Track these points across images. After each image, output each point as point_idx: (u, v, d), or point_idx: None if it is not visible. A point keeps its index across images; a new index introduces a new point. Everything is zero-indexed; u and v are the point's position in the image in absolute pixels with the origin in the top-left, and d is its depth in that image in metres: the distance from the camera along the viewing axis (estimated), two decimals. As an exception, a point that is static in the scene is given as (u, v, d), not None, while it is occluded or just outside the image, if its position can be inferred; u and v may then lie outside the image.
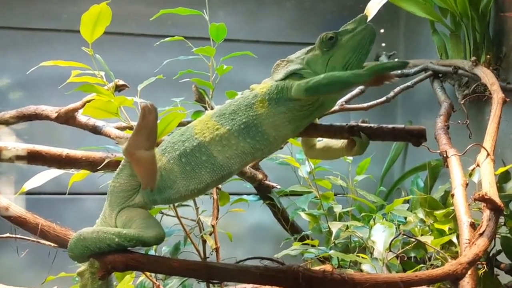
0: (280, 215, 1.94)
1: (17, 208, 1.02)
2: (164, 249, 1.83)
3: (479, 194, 1.19)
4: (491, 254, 1.58)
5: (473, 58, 1.89)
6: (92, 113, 1.43)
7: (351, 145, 1.03)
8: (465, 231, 1.29)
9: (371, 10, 1.69)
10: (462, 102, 1.78)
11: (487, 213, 1.27)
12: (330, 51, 1.00)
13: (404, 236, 1.54)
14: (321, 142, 1.12)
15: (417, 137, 0.96)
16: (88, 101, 1.64)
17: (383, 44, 2.63)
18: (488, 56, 1.94)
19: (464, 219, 1.33)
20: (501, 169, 1.48)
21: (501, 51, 1.97)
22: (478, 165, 1.46)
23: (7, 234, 1.27)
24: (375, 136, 0.99)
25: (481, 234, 1.19)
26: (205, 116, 1.05)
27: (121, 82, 1.67)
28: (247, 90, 1.06)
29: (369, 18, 1.80)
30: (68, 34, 1.59)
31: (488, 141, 1.52)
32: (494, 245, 1.58)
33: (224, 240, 1.78)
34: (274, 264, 1.02)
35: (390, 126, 0.98)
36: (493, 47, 1.98)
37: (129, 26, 2.31)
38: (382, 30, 2.69)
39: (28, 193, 1.46)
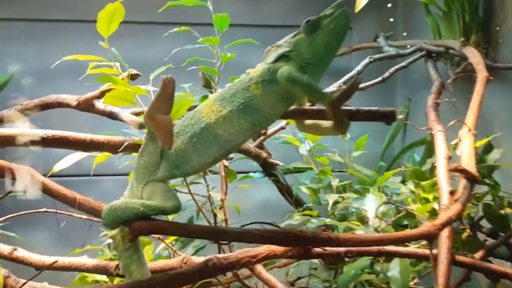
0: (285, 190, 2.14)
1: (55, 185, 1.23)
2: (180, 223, 2.05)
3: (453, 166, 1.39)
4: (475, 220, 1.78)
5: (462, 39, 2.06)
6: (111, 102, 1.65)
7: (335, 125, 1.22)
8: (445, 198, 1.49)
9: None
10: (449, 81, 1.95)
11: (463, 182, 1.48)
12: (313, 34, 1.18)
13: (394, 205, 1.75)
14: None
15: (388, 117, 1.15)
16: (105, 90, 1.86)
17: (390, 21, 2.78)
18: (477, 37, 2.11)
19: (444, 188, 1.53)
20: (479, 142, 1.67)
21: (489, 31, 2.14)
22: (460, 140, 1.66)
23: (44, 209, 1.49)
24: (354, 118, 1.18)
25: (456, 200, 1.39)
26: (209, 100, 1.24)
27: (134, 72, 1.87)
28: (244, 74, 1.25)
29: (360, 7, 2.00)
30: (83, 24, 1.77)
31: (470, 117, 1.70)
32: (478, 212, 1.78)
33: (234, 214, 1.99)
34: (272, 228, 1.23)
35: (366, 108, 1.17)
36: (482, 28, 2.15)
37: (139, 14, 2.50)
38: (389, 5, 2.85)
39: (53, 175, 1.69)
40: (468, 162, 1.53)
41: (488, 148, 1.81)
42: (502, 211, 1.76)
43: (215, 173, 1.86)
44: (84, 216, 1.34)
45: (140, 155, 1.26)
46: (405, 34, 2.75)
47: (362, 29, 2.82)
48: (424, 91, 2.78)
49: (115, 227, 1.22)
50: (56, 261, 1.30)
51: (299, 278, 1.97)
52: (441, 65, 2.30)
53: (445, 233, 1.45)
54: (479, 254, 1.65)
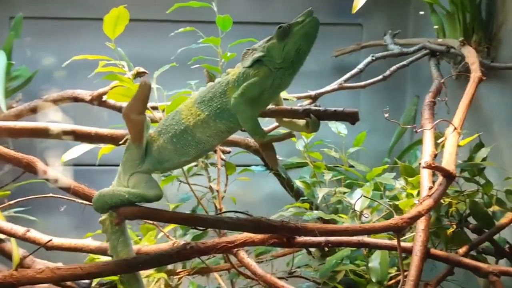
0: (286, 183, 2.25)
1: (55, 173, 1.39)
2: (183, 212, 2.20)
3: (426, 163, 1.46)
4: (463, 216, 1.85)
5: (461, 38, 2.11)
6: (115, 98, 1.81)
7: (307, 124, 1.33)
8: (424, 194, 1.57)
9: (359, 1, 1.96)
10: (442, 80, 2.01)
11: (440, 179, 1.55)
12: (284, 40, 1.28)
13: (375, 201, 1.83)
14: None
15: (352, 118, 1.25)
16: (115, 87, 2.02)
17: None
18: (478, 36, 2.16)
19: (425, 184, 1.61)
20: (462, 142, 1.73)
21: (491, 31, 2.18)
22: (445, 138, 1.73)
23: (50, 194, 1.66)
24: (322, 117, 1.28)
25: (429, 196, 1.48)
26: (189, 102, 1.35)
27: (141, 69, 2.01)
28: (224, 74, 1.36)
29: (358, 7, 2.07)
30: (97, 22, 1.92)
31: (457, 116, 1.77)
32: (466, 208, 1.84)
33: (240, 206, 2.11)
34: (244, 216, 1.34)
35: (333, 109, 1.26)
36: (484, 27, 2.19)
37: (147, 13, 2.65)
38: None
39: (74, 164, 1.85)
40: (449, 159, 1.60)
41: (479, 146, 1.87)
42: (490, 209, 1.82)
43: (215, 166, 1.99)
44: (86, 202, 1.50)
45: (127, 149, 1.40)
46: (413, 32, 2.80)
47: (373, 27, 2.89)
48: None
49: (104, 212, 1.37)
50: (50, 240, 1.47)
51: (298, 267, 2.08)
52: (444, 64, 2.35)
53: (420, 226, 1.54)
54: (463, 250, 1.72)
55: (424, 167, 1.45)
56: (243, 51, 1.37)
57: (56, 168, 1.85)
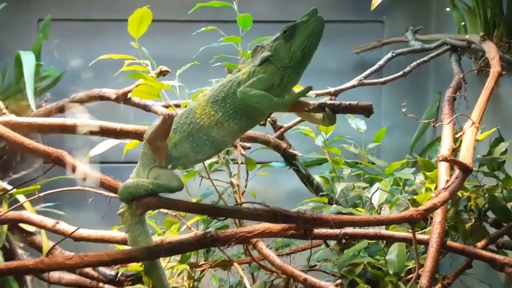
0: (306, 179, 2.32)
1: (83, 166, 1.50)
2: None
3: (442, 156, 1.51)
4: (482, 210, 1.88)
5: (481, 34, 2.14)
6: (139, 96, 1.90)
7: (324, 118, 1.39)
8: (441, 187, 1.62)
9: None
10: (462, 75, 2.05)
11: (456, 172, 1.60)
12: (291, 40, 1.35)
13: (404, 196, 1.88)
14: None
15: (367, 111, 1.30)
16: (139, 85, 2.12)
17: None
18: (499, 31, 2.18)
19: (443, 178, 1.66)
20: (480, 136, 1.77)
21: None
22: (464, 133, 1.77)
23: (78, 187, 1.77)
24: (338, 110, 1.34)
25: (445, 189, 1.52)
26: (202, 100, 1.43)
27: (164, 68, 2.11)
28: (235, 70, 1.43)
29: (376, 5, 2.13)
30: (121, 23, 2.02)
31: (476, 111, 1.81)
32: (485, 202, 1.88)
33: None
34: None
35: (347, 102, 1.33)
36: (505, 22, 2.21)
37: (168, 13, 2.75)
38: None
39: (100, 162, 1.96)
40: (466, 153, 1.64)
41: (498, 141, 1.90)
42: (510, 204, 1.85)
43: (236, 162, 2.07)
44: (111, 194, 1.60)
45: (144, 145, 1.48)
46: (436, 29, 2.82)
47: (395, 24, 2.93)
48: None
49: (128, 202, 1.46)
50: (78, 228, 1.56)
51: (318, 262, 2.14)
52: (465, 59, 2.38)
53: (437, 219, 1.59)
54: (481, 243, 1.76)
55: (440, 160, 1.50)
56: (254, 48, 1.44)
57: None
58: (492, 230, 1.85)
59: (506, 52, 2.17)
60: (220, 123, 1.39)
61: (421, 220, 1.43)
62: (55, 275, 2.19)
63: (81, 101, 2.38)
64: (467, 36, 2.30)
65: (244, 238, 1.39)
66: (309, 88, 1.33)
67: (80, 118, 2.08)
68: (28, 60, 2.44)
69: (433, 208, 1.44)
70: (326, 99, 1.39)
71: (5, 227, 2.02)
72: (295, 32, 1.35)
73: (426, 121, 1.88)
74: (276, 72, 1.35)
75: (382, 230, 1.63)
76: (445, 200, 1.47)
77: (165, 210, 1.96)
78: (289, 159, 2.27)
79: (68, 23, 2.85)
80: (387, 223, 1.45)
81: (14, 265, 1.36)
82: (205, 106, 1.41)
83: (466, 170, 1.57)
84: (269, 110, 1.37)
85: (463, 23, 2.44)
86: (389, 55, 2.40)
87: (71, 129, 1.89)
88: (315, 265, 2.10)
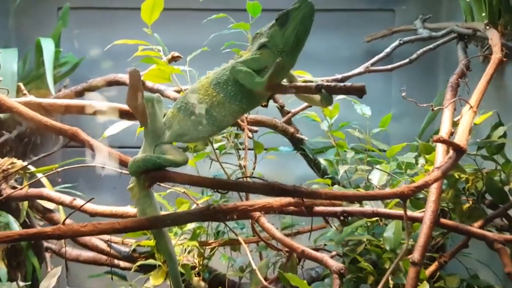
0: (313, 163, 2.43)
1: (96, 142, 1.64)
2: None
3: (436, 137, 1.60)
4: (480, 193, 1.97)
5: (486, 21, 2.21)
6: (152, 79, 2.03)
7: (321, 98, 1.50)
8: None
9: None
10: (464, 61, 2.13)
11: (450, 153, 1.69)
12: (284, 26, 1.45)
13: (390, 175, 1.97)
14: None
15: (359, 91, 1.40)
16: (152, 70, 2.25)
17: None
18: (504, 19, 2.25)
19: (439, 159, 1.75)
20: (478, 120, 1.85)
21: (518, 14, 2.26)
22: (461, 117, 1.86)
23: (94, 163, 1.90)
24: (333, 91, 1.44)
25: (438, 168, 1.61)
26: (205, 82, 1.54)
27: (176, 54, 2.23)
28: (236, 55, 1.55)
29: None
30: (137, 11, 2.15)
31: (475, 96, 1.89)
32: (483, 185, 1.96)
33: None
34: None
35: (342, 84, 1.43)
36: (510, 10, 2.27)
37: (180, 2, 2.88)
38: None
39: (120, 146, 2.10)
40: (461, 135, 1.73)
41: (497, 125, 1.98)
42: (507, 186, 1.93)
43: (239, 148, 2.18)
44: (119, 170, 1.74)
45: (150, 123, 1.59)
46: (446, 17, 2.89)
47: (406, 13, 3.00)
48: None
49: (137, 175, 1.58)
50: (93, 198, 1.65)
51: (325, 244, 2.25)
52: (472, 47, 2.45)
53: (431, 197, 1.68)
54: (478, 224, 1.84)
55: (434, 141, 1.58)
56: (254, 34, 1.55)
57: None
58: (489, 212, 1.94)
59: (511, 40, 2.23)
60: (222, 104, 1.50)
61: (412, 196, 1.51)
62: (73, 252, 2.36)
63: (98, 86, 2.52)
64: (473, 24, 2.37)
65: (246, 211, 1.51)
66: (279, 63, 1.42)
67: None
68: (48, 46, 2.59)
69: (424, 185, 1.52)
70: (323, 81, 1.48)
71: (25, 203, 2.17)
72: (288, 18, 1.45)
73: (425, 105, 1.95)
74: (272, 55, 1.46)
75: (379, 209, 1.73)
76: (437, 178, 1.55)
77: (177, 190, 2.09)
78: (297, 143, 2.38)
79: (86, 11, 3.00)
80: (379, 198, 1.55)
81: (33, 232, 1.49)
82: (208, 87, 1.53)
83: (459, 151, 1.65)
84: (250, 87, 1.47)
85: (482, 14, 2.50)
86: (396, 42, 2.48)
87: (88, 110, 2.04)
88: (320, 245, 2.21)
